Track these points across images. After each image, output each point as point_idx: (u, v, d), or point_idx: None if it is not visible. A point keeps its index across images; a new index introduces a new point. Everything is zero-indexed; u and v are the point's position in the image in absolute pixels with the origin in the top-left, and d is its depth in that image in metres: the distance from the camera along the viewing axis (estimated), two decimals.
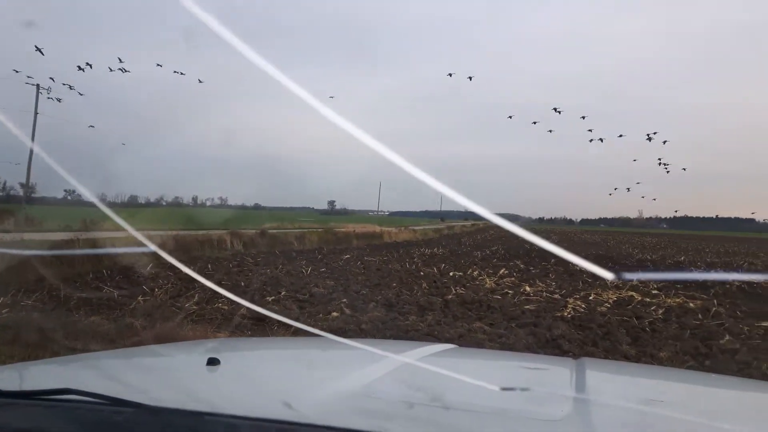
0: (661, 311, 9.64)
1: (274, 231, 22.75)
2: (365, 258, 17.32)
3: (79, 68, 16.66)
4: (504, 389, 1.39)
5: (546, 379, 1.60)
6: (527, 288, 11.62)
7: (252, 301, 9.03)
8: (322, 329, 7.29)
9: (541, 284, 12.38)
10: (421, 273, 13.65)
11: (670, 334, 7.88)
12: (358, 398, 1.16)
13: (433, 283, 11.93)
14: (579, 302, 10.18)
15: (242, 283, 10.78)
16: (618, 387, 1.55)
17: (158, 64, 20.75)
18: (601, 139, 17.38)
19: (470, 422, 1.05)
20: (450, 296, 10.13)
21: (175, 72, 21.27)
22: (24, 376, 1.48)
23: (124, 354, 2.04)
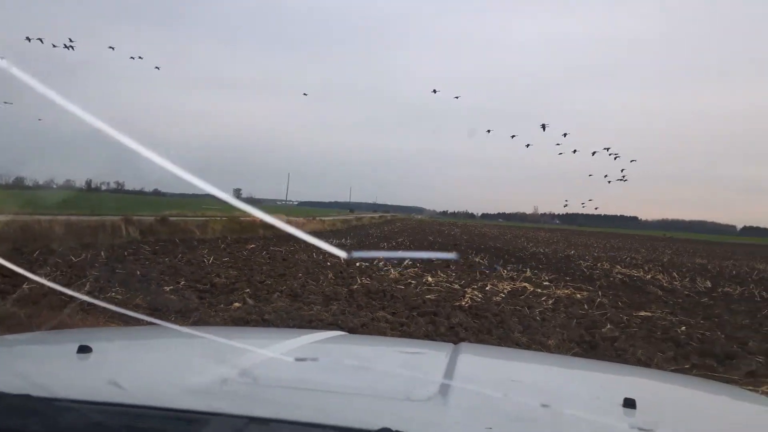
0: (551, 302, 10.31)
1: (175, 218, 21.86)
2: (271, 248, 17.09)
3: (28, 39, 15.05)
4: (377, 372, 1.46)
5: (420, 362, 1.69)
6: (429, 278, 11.98)
7: (148, 291, 8.67)
8: (223, 320, 7.16)
9: (442, 275, 12.80)
10: (328, 263, 13.68)
11: (558, 323, 8.45)
12: (232, 384, 1.17)
13: (340, 273, 12.01)
14: (476, 292, 10.65)
15: (138, 273, 10.31)
16: (486, 370, 1.66)
17: (110, 47, 19.28)
18: (513, 136, 18.23)
19: (329, 403, 1.09)
20: (355, 286, 10.24)
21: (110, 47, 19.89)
22: None
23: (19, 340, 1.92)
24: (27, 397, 0.92)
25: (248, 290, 9.17)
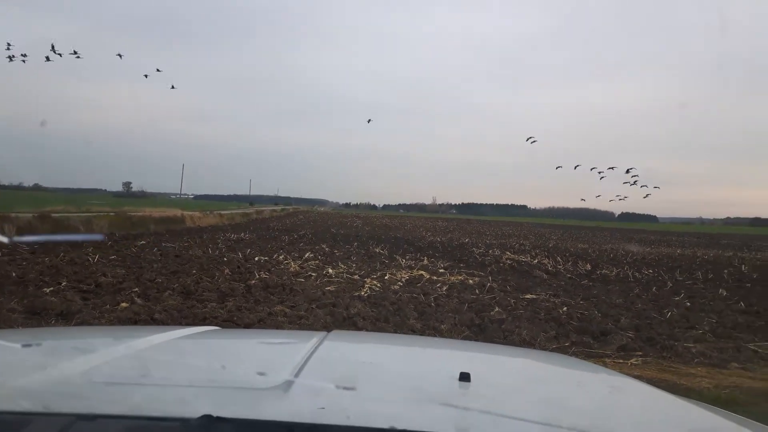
0: (445, 288, 10.72)
1: (58, 215, 20.35)
2: (163, 244, 16.38)
3: None
4: (241, 363, 1.49)
5: (280, 352, 1.73)
6: (330, 270, 12.04)
7: (25, 293, 8.05)
8: (109, 321, 6.81)
9: (343, 266, 12.91)
10: (225, 259, 13.34)
11: (451, 308, 8.81)
12: (48, 385, 1.15)
13: (237, 268, 11.76)
14: (375, 282, 10.85)
15: (14, 274, 9.52)
16: (342, 354, 1.73)
17: None
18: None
19: (160, 396, 1.10)
20: (253, 281, 10.08)
21: None
22: None
23: None
24: None
25: (137, 289, 8.76)
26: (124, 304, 7.68)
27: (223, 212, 40.15)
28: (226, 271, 11.21)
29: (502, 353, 2.34)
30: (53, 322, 6.76)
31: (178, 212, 30.73)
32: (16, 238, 11.16)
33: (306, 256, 14.76)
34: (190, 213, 31.37)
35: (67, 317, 6.93)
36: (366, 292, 9.71)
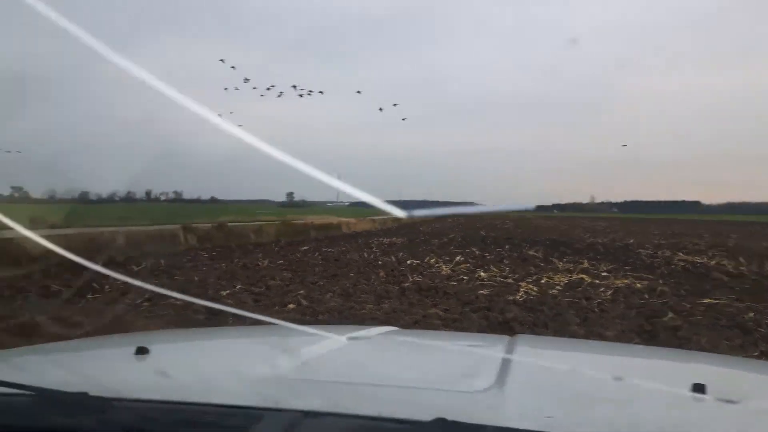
0: (609, 292, 9.99)
1: (232, 224, 22.44)
2: (323, 249, 17.29)
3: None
4: (433, 365, 1.44)
5: (476, 354, 1.66)
6: (482, 273, 11.84)
7: (206, 296, 8.92)
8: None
9: (495, 269, 12.62)
10: (379, 262, 13.73)
11: (617, 314, 8.17)
12: (282, 380, 1.18)
13: (391, 271, 12.03)
14: (531, 286, 10.43)
15: (196, 278, 10.62)
16: (543, 360, 1.61)
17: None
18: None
19: (383, 395, 1.08)
20: (407, 284, 10.23)
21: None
22: None
23: (54, 347, 2.00)
24: (84, 395, 0.95)
25: (302, 291, 9.30)
26: (291, 305, 8.20)
27: (375, 218, 41.58)
28: (381, 273, 11.51)
29: (730, 364, 2.05)
30: (230, 322, 7.40)
31: (334, 219, 32.40)
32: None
33: (457, 259, 14.67)
34: (345, 219, 32.92)
35: (241, 318, 7.54)
36: (521, 297, 9.37)
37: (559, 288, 10.45)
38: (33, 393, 0.93)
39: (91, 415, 0.90)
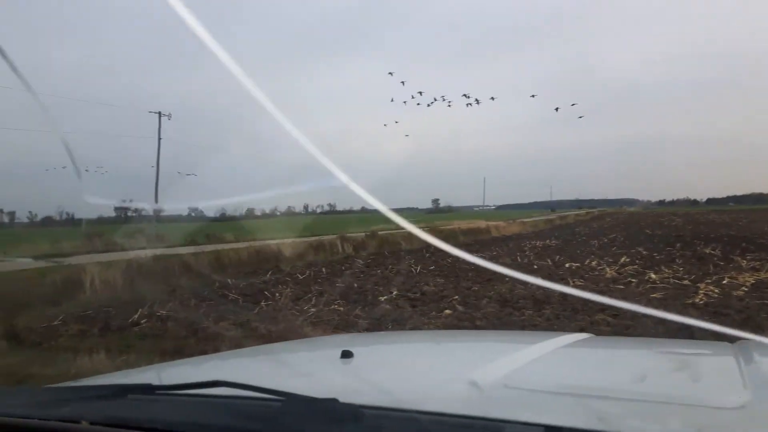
0: None
1: (382, 232, 23.10)
2: (473, 254, 17.09)
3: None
4: (661, 376, 1.28)
5: (701, 364, 1.46)
6: (652, 275, 10.88)
7: (366, 302, 9.20)
8: (436, 327, 7.28)
9: (667, 270, 11.54)
10: (534, 266, 13.24)
11: None
12: (498, 389, 1.12)
13: (548, 275, 11.52)
14: (712, 287, 9.36)
15: (355, 285, 11.03)
16: None
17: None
18: None
19: (637, 410, 0.97)
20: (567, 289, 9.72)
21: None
22: (170, 374, 1.58)
23: (261, 350, 2.12)
24: (334, 402, 0.94)
25: (457, 297, 9.24)
26: (447, 312, 8.16)
27: (525, 220, 40.37)
28: (538, 278, 11.07)
29: None
30: (390, 327, 7.54)
31: (482, 223, 31.98)
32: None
33: (621, 260, 13.66)
34: (494, 223, 32.33)
35: (400, 323, 7.66)
36: (701, 300, 8.44)
37: (745, 289, 9.26)
38: (282, 399, 0.95)
39: (343, 422, 0.89)
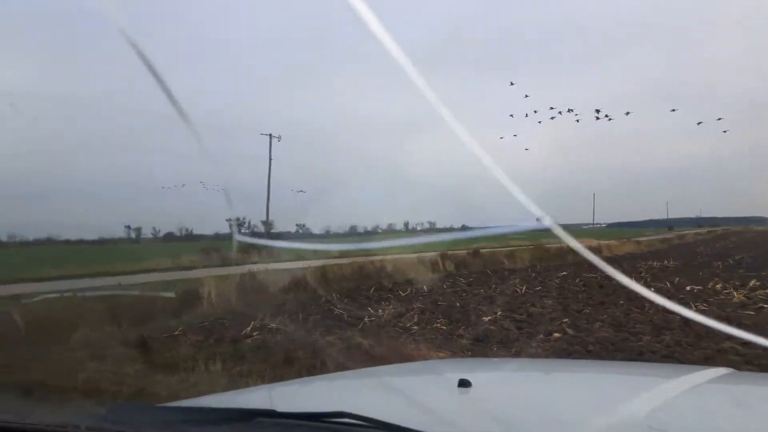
0: None
1: (484, 250, 22.70)
2: (584, 274, 16.31)
3: None
4: None
5: None
6: None
7: (468, 322, 9.02)
8: (544, 351, 6.98)
9: None
10: (651, 288, 12.37)
11: None
12: (643, 429, 1.01)
13: (667, 299, 10.69)
14: None
15: (457, 304, 10.87)
16: None
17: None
18: None
19: None
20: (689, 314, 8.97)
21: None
22: (285, 395, 1.59)
23: (373, 373, 2.10)
24: None
25: (566, 320, 8.82)
26: (556, 335, 7.81)
27: (640, 239, 38.06)
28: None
29: None
30: (494, 349, 7.32)
31: (593, 242, 30.50)
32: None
33: (750, 284, 12.44)
34: (605, 242, 30.76)
35: (506, 345, 7.42)
36: None
37: None
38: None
39: None
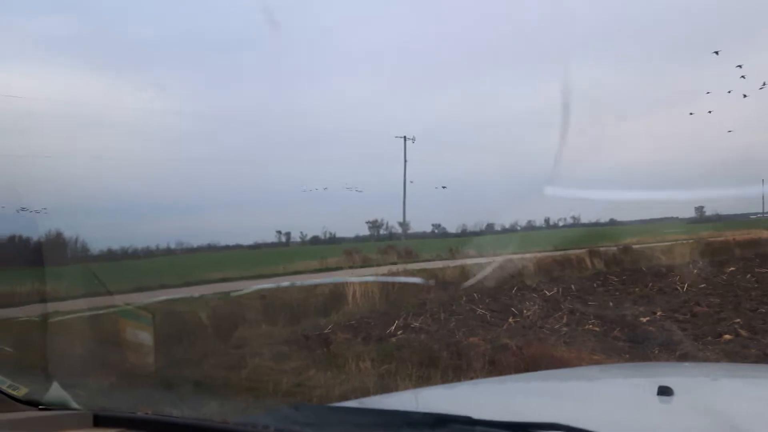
0: None
1: (636, 246, 21.15)
2: (756, 270, 14.55)
3: None
4: None
5: None
6: None
7: (623, 323, 8.43)
8: (714, 354, 6.30)
9: None
10: None
11: None
12: None
13: None
14: None
15: (610, 304, 10.23)
16: None
17: None
18: None
19: None
20: None
21: None
22: (457, 399, 1.56)
23: (542, 377, 1.99)
24: None
25: (738, 320, 7.91)
26: (726, 336, 7.04)
27: None
28: None
29: None
30: (656, 352, 6.77)
31: (764, 233, 27.14)
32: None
33: None
34: None
35: (669, 348, 6.82)
36: None
37: None
38: None
39: None
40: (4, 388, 1.47)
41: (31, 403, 1.47)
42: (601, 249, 19.58)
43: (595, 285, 13.15)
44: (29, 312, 8.61)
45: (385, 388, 5.19)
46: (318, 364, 6.43)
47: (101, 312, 6.67)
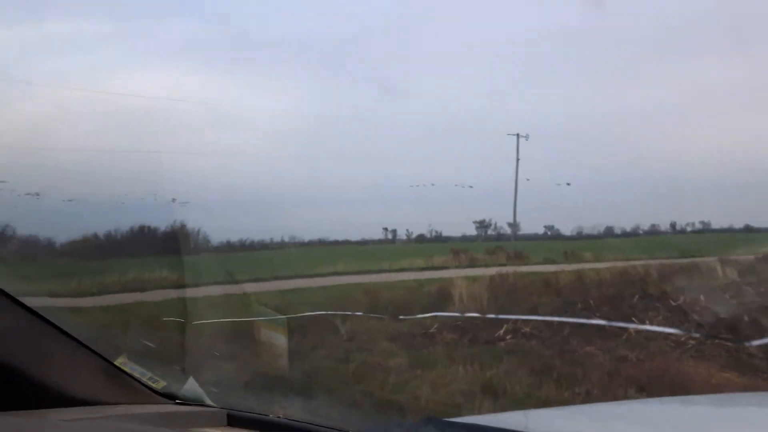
0: None
1: None
2: None
3: None
4: None
5: None
6: None
7: (762, 338, 7.58)
8: None
9: None
10: None
11: None
12: None
13: None
14: None
15: (745, 318, 9.24)
16: None
17: None
18: None
19: None
20: None
21: None
22: (593, 424, 1.42)
23: (695, 401, 1.78)
24: None
25: None
26: None
27: None
28: None
29: None
30: None
31: None
32: None
33: None
34: None
35: None
36: None
37: None
38: None
39: None
40: (145, 380, 1.52)
41: (168, 396, 1.52)
42: (732, 257, 17.92)
43: (726, 296, 11.98)
44: (166, 301, 8.99)
45: (493, 394, 5.02)
46: (424, 364, 6.38)
47: (236, 308, 6.98)
